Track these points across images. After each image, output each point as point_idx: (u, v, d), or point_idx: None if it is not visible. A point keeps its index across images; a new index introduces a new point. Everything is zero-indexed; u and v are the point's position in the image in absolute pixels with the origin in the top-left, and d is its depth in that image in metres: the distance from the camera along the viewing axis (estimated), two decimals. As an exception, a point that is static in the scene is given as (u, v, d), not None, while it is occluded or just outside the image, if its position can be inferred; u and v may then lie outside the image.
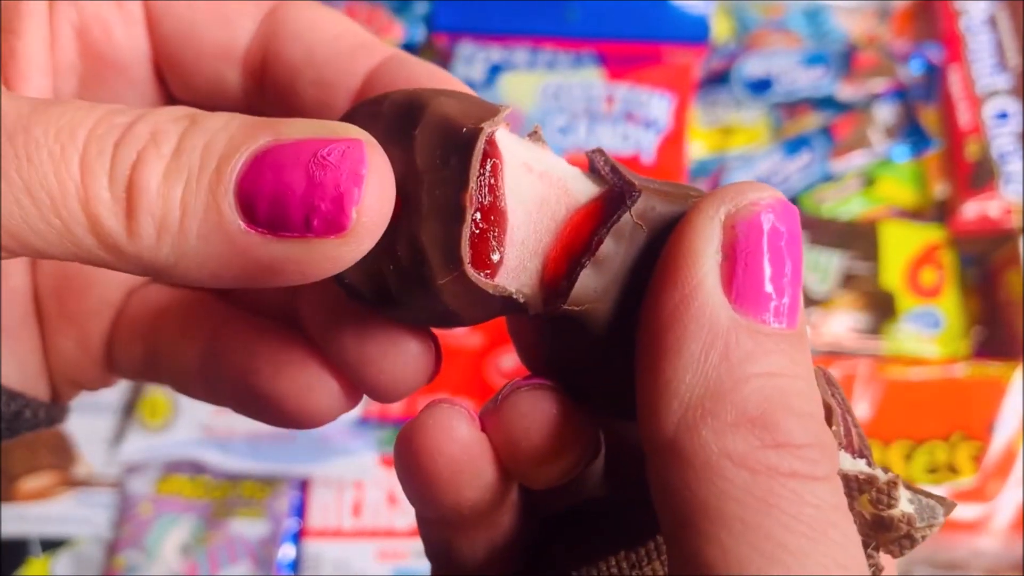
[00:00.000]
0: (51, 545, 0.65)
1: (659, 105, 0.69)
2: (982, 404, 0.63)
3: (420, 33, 0.76)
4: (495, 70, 0.72)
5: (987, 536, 0.61)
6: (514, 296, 0.20)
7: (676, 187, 0.21)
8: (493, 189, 0.20)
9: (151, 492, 0.64)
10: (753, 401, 0.17)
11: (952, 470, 0.62)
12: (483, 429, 0.21)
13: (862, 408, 0.63)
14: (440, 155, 0.19)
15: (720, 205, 0.18)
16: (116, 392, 0.68)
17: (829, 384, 0.20)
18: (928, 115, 0.74)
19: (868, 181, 0.72)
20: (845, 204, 0.72)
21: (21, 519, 0.65)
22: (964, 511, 0.61)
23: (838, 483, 0.17)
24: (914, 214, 0.71)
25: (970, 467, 0.61)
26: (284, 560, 0.62)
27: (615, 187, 0.20)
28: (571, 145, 0.68)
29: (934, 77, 0.74)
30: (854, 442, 0.20)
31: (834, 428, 0.19)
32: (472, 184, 0.19)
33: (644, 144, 0.68)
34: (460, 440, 0.21)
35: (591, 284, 0.20)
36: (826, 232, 0.69)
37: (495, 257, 0.20)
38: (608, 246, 0.20)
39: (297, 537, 0.63)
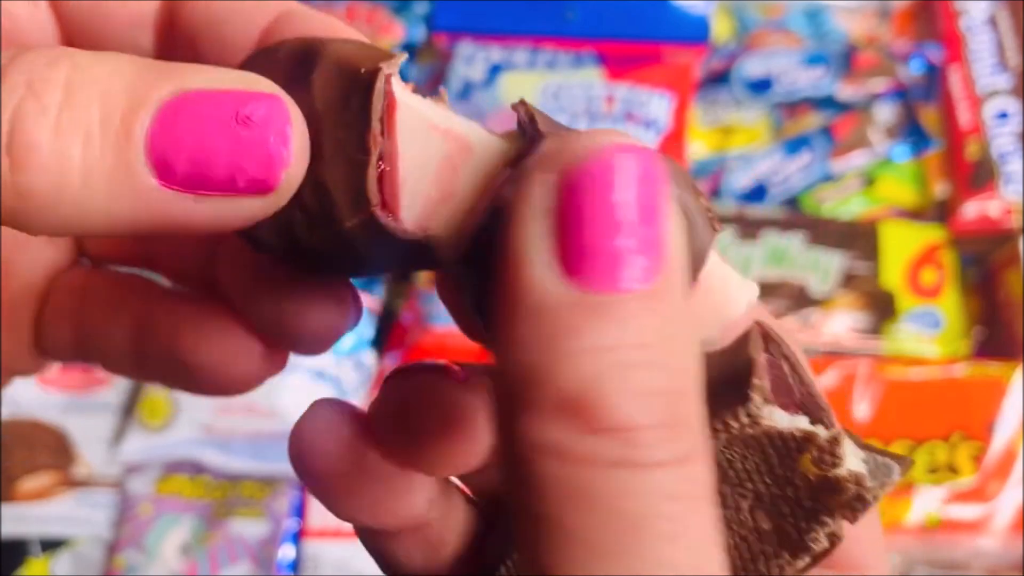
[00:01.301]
0: (51, 545, 0.65)
1: (659, 105, 0.69)
2: (982, 404, 0.63)
3: (420, 33, 0.76)
4: (495, 70, 0.72)
5: (987, 536, 0.61)
6: (422, 240, 0.20)
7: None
8: (390, 132, 0.19)
9: (151, 492, 0.64)
10: (572, 381, 0.14)
11: (952, 470, 0.62)
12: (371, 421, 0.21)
13: (862, 408, 0.63)
14: (340, 97, 0.19)
15: (551, 160, 0.16)
16: (115, 392, 0.68)
17: (765, 340, 0.19)
18: (928, 115, 0.74)
19: (868, 181, 0.72)
20: (845, 204, 0.72)
21: (20, 519, 0.65)
22: (964, 511, 0.61)
23: (693, 468, 0.15)
24: (914, 214, 0.71)
25: (970, 467, 0.61)
26: (284, 560, 0.62)
27: (531, 140, 0.19)
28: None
29: (934, 77, 0.74)
30: (795, 397, 0.19)
31: (756, 382, 0.18)
32: (375, 124, 0.19)
33: (644, 144, 0.68)
34: (342, 439, 0.20)
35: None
36: (826, 232, 0.69)
37: (393, 201, 0.20)
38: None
39: (297, 537, 0.63)
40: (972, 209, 0.69)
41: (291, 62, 0.20)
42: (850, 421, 0.63)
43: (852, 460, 0.18)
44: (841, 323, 0.67)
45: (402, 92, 0.20)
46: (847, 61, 0.74)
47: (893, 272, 0.67)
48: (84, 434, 0.67)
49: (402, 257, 0.21)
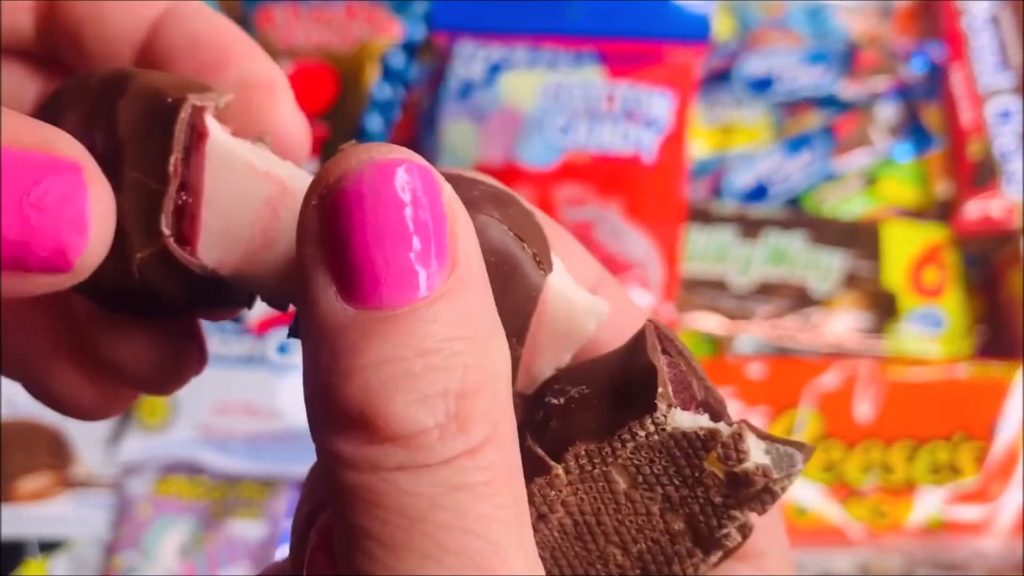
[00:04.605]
0: (49, 546, 0.64)
1: (660, 104, 0.69)
2: (985, 404, 0.62)
3: (419, 32, 0.76)
4: (495, 69, 0.72)
5: (989, 537, 0.61)
6: (220, 274, 0.19)
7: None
8: (197, 165, 0.19)
9: (149, 493, 0.64)
10: (354, 397, 0.16)
11: (954, 471, 0.61)
12: None
13: (864, 409, 0.63)
14: (144, 125, 0.19)
15: (314, 189, 0.16)
16: (114, 392, 0.67)
17: (661, 340, 0.20)
18: (930, 114, 0.73)
19: (870, 180, 0.72)
20: (847, 203, 0.72)
21: (18, 520, 0.64)
22: (966, 512, 0.61)
23: (484, 455, 0.16)
24: (916, 213, 0.71)
25: (972, 468, 0.61)
26: (283, 561, 0.61)
27: None
28: (571, 145, 0.68)
29: (936, 76, 0.74)
30: (696, 396, 0.19)
31: (662, 389, 0.18)
32: (176, 153, 0.19)
33: (645, 143, 0.68)
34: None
35: None
36: (828, 232, 0.68)
37: (192, 235, 0.19)
38: None
39: (296, 538, 0.62)
40: (974, 208, 0.69)
41: (101, 90, 0.19)
42: (851, 422, 0.63)
43: (757, 453, 0.18)
44: (843, 323, 0.66)
45: (217, 129, 0.19)
46: (848, 60, 0.74)
47: (895, 272, 0.67)
48: (82, 434, 0.66)
49: (198, 296, 0.20)
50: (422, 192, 0.16)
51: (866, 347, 0.66)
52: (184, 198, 0.19)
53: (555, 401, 0.20)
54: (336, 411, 0.16)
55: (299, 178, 0.20)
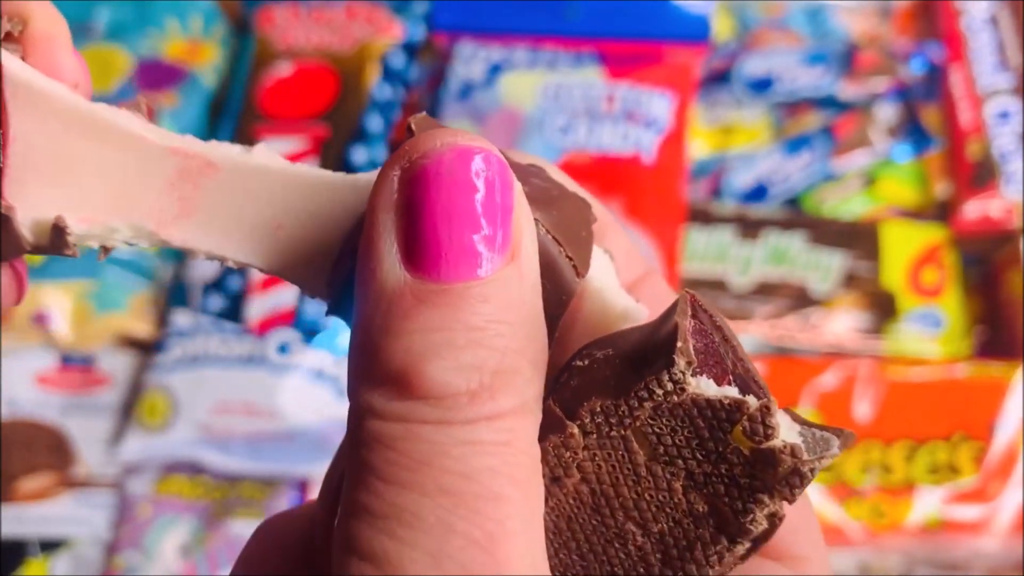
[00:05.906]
0: (50, 546, 0.64)
1: (660, 104, 0.69)
2: (984, 404, 0.62)
3: (420, 32, 0.76)
4: (495, 69, 0.72)
5: (988, 537, 0.61)
6: (64, 221, 0.20)
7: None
8: None
9: (150, 493, 0.64)
10: (397, 357, 0.17)
11: (953, 470, 0.61)
12: None
13: (863, 409, 0.63)
14: None
15: (396, 161, 0.18)
16: (115, 392, 0.67)
17: (694, 308, 0.19)
18: (929, 114, 0.73)
19: (869, 181, 0.72)
20: (846, 204, 0.72)
21: (19, 520, 0.65)
22: (965, 512, 0.61)
23: (503, 422, 0.17)
24: (916, 214, 0.71)
25: (971, 467, 0.61)
26: (283, 561, 0.61)
27: None
28: (571, 145, 0.68)
29: (935, 76, 0.74)
30: (728, 370, 0.18)
31: (680, 345, 0.17)
32: None
33: (645, 144, 0.68)
34: None
35: None
36: (827, 232, 0.68)
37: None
38: None
39: (296, 538, 0.62)
40: (973, 209, 0.69)
41: None
42: (851, 421, 0.63)
43: (788, 432, 0.17)
44: (842, 323, 0.66)
45: (15, 65, 0.20)
46: (848, 60, 0.74)
47: (894, 272, 0.67)
48: (83, 434, 0.66)
49: (16, 241, 0.20)
50: (495, 182, 0.17)
51: (865, 347, 0.66)
52: None
53: (579, 363, 0.19)
54: (377, 366, 0.17)
55: (221, 150, 0.21)
